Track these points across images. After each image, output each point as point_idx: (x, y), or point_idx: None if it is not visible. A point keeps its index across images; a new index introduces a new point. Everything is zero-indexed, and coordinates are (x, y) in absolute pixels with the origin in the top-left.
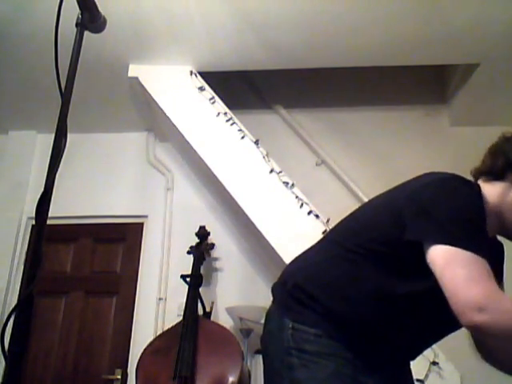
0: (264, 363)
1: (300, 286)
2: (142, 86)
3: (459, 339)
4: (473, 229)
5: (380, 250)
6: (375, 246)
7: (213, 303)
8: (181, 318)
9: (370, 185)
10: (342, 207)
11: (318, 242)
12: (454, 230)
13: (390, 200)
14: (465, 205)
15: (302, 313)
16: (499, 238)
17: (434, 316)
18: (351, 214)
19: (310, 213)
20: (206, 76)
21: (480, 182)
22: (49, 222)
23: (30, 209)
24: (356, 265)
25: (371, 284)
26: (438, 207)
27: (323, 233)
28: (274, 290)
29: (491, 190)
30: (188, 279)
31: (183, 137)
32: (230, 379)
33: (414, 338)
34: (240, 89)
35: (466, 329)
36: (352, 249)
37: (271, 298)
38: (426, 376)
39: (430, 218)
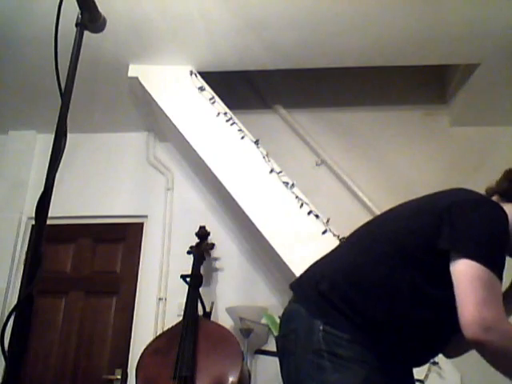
0: (285, 361)
1: (337, 289)
2: (142, 86)
3: None
4: (500, 251)
5: (419, 256)
6: (416, 253)
7: (213, 303)
8: (181, 318)
9: (370, 185)
10: (342, 207)
11: (348, 242)
12: (486, 249)
13: (426, 210)
14: (498, 227)
15: (335, 317)
16: None
17: (446, 326)
18: (378, 219)
19: (309, 213)
20: (206, 76)
21: (496, 200)
22: (49, 221)
23: (30, 209)
24: (395, 271)
25: (409, 292)
26: (476, 225)
27: (323, 233)
28: (298, 288)
29: (507, 210)
30: (188, 279)
31: (183, 137)
32: (230, 379)
33: (432, 347)
34: (240, 89)
35: (467, 341)
36: (391, 254)
37: (271, 298)
38: (426, 376)
39: (466, 232)
